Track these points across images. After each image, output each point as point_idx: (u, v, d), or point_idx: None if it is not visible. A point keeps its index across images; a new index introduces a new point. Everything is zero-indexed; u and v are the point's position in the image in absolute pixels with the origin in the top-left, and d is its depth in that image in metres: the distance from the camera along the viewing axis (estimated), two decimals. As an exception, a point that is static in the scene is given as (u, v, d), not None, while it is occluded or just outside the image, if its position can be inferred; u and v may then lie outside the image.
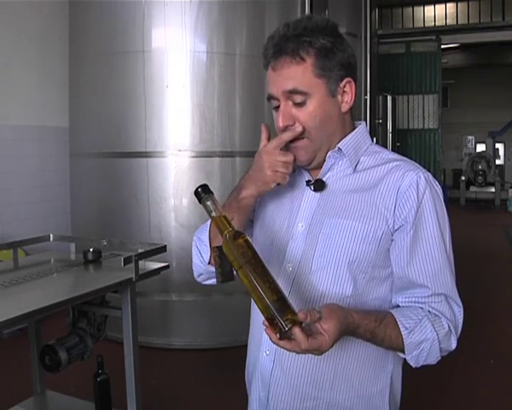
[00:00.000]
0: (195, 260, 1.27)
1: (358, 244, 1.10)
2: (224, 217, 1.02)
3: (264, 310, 0.93)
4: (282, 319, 0.90)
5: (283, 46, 1.09)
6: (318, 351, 0.95)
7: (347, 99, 1.14)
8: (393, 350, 1.11)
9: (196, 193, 1.03)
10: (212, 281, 1.26)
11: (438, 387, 3.31)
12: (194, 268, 1.29)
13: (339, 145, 1.15)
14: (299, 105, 1.10)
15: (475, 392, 3.33)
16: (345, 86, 1.13)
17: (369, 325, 1.03)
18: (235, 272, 1.00)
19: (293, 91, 1.09)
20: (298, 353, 0.95)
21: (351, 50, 1.15)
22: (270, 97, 1.14)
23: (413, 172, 1.11)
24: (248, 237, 1.00)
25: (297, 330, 0.92)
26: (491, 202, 13.28)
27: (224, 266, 1.01)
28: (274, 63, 1.11)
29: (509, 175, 16.21)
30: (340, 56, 1.11)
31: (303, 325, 0.93)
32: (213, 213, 1.02)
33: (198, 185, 1.04)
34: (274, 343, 0.94)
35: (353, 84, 1.14)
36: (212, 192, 1.04)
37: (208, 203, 1.03)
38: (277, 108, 1.14)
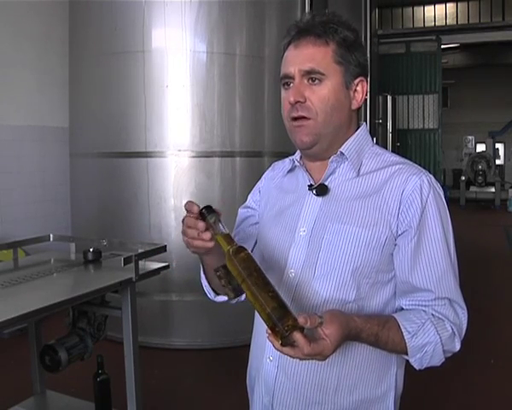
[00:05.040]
0: (208, 296, 1.32)
1: (362, 251, 1.09)
2: (227, 235, 1.05)
3: (267, 319, 0.94)
4: (283, 325, 0.91)
5: (309, 28, 1.11)
6: (321, 356, 0.95)
7: (358, 98, 1.16)
8: (397, 353, 1.11)
9: (201, 214, 1.06)
10: (224, 298, 1.28)
11: (438, 387, 3.31)
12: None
13: (341, 149, 1.15)
14: (314, 84, 1.10)
15: (475, 392, 3.33)
16: (357, 85, 1.15)
17: (373, 329, 1.03)
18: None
19: (311, 71, 1.10)
20: (301, 359, 0.95)
21: (366, 56, 1.18)
22: (285, 77, 1.14)
23: (416, 176, 1.11)
24: (250, 252, 1.02)
25: (298, 335, 0.92)
26: (491, 202, 13.28)
27: (233, 282, 1.03)
28: (297, 42, 1.12)
29: (509, 175, 16.21)
30: (358, 54, 1.14)
31: (304, 331, 0.93)
32: (217, 232, 1.05)
33: (202, 207, 1.06)
34: (277, 350, 0.95)
35: (366, 85, 1.16)
36: (215, 212, 1.06)
37: (212, 223, 1.05)
38: (288, 86, 1.14)
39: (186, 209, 1.08)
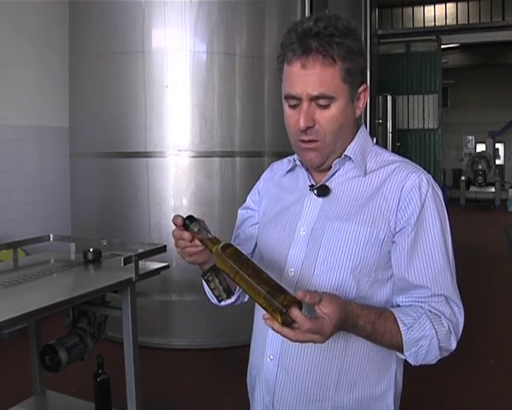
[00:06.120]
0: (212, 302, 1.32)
1: (362, 248, 1.10)
2: (213, 238, 1.08)
3: (265, 303, 0.94)
4: (280, 302, 0.91)
5: (315, 43, 1.06)
6: (320, 335, 0.94)
7: (360, 104, 1.15)
8: (393, 348, 1.11)
9: (184, 225, 1.11)
10: (229, 301, 1.27)
11: (438, 387, 3.31)
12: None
13: (346, 153, 1.16)
14: (323, 107, 1.09)
15: (475, 392, 3.33)
16: (360, 93, 1.14)
17: (370, 317, 1.03)
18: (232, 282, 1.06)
19: (320, 96, 1.08)
20: (301, 341, 0.94)
21: (365, 56, 1.16)
22: (292, 97, 1.10)
23: (415, 174, 1.12)
24: (237, 246, 1.05)
25: (297, 312, 0.91)
26: (491, 202, 13.28)
27: (223, 283, 1.09)
28: (304, 61, 1.07)
29: (509, 175, 16.22)
30: (362, 61, 1.12)
31: (302, 310, 0.92)
32: (202, 238, 1.09)
33: (184, 218, 1.12)
34: (277, 333, 0.93)
35: (367, 91, 1.16)
36: (197, 220, 1.11)
37: (196, 230, 1.10)
38: (294, 106, 1.11)
39: (173, 223, 1.12)
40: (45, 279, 2.04)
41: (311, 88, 1.07)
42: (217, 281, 1.09)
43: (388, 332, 1.05)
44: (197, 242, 1.10)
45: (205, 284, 1.28)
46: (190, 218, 1.11)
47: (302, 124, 1.09)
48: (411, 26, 12.25)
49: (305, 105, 1.09)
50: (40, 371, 2.39)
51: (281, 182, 1.29)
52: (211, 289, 1.21)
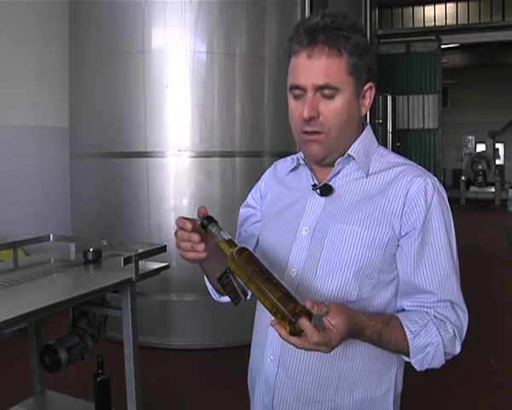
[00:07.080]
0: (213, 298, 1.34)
1: (365, 251, 1.09)
2: (229, 240, 1.07)
3: (274, 310, 0.94)
4: (290, 312, 0.91)
5: (322, 36, 1.06)
6: (327, 346, 0.94)
7: (366, 103, 1.15)
8: (398, 353, 1.11)
9: (202, 225, 1.10)
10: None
11: (438, 387, 3.31)
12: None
13: (349, 152, 1.15)
14: (328, 98, 1.08)
15: (475, 392, 3.33)
16: (366, 91, 1.14)
17: (376, 327, 1.03)
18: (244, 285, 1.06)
19: (325, 86, 1.07)
20: (306, 349, 0.94)
21: (372, 56, 1.15)
22: (297, 87, 1.10)
23: (421, 177, 1.11)
24: (252, 251, 1.04)
25: (307, 323, 0.90)
26: (491, 202, 13.28)
27: (240, 286, 1.08)
28: (310, 51, 1.07)
29: (509, 175, 16.21)
30: (368, 59, 1.11)
31: (312, 322, 0.92)
32: (218, 239, 1.08)
33: (202, 218, 1.09)
34: (284, 340, 0.93)
35: (373, 89, 1.15)
36: (216, 221, 1.09)
37: (214, 231, 1.08)
38: (299, 96, 1.11)
39: (178, 226, 1.09)
40: (45, 279, 2.04)
41: (317, 78, 1.07)
42: (233, 284, 1.08)
43: (394, 340, 1.05)
44: (199, 247, 1.08)
45: (207, 282, 1.29)
46: (209, 218, 1.10)
47: (306, 113, 1.08)
48: (411, 26, 12.24)
49: (309, 95, 1.08)
50: (40, 371, 2.39)
51: (284, 180, 1.29)
52: (227, 293, 1.20)
